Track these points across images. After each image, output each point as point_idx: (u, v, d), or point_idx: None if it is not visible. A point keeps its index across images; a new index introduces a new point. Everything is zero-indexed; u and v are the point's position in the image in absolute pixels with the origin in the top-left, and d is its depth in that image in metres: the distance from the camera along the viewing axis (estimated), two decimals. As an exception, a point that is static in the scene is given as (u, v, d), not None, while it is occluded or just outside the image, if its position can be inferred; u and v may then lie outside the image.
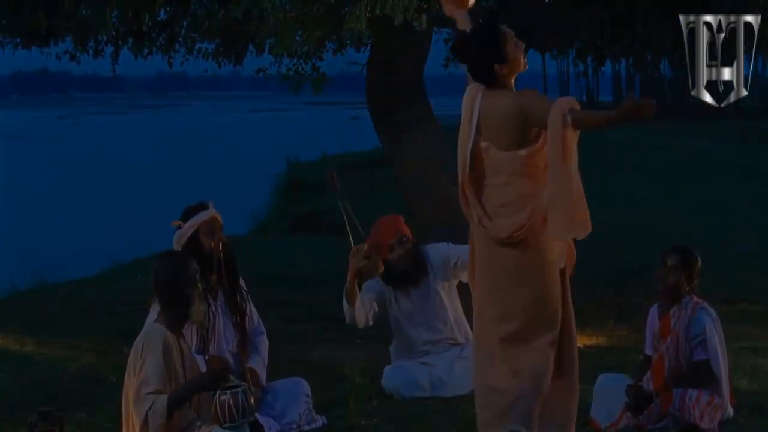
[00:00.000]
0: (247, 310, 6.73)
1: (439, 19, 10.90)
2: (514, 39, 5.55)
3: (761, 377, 8.07)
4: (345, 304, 7.50)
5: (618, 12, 12.50)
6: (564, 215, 5.37)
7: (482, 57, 5.53)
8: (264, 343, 6.83)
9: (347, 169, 33.65)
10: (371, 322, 7.81)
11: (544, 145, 5.39)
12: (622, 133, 43.21)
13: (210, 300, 6.43)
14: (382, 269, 7.53)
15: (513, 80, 5.59)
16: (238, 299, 6.60)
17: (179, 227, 6.55)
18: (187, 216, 6.56)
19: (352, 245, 7.21)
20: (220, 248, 6.36)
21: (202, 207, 6.59)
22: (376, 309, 7.73)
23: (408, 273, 7.60)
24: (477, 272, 5.66)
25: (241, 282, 6.72)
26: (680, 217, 19.94)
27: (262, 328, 6.89)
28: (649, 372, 6.51)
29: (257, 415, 6.12)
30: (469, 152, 5.53)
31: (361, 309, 7.57)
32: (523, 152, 5.44)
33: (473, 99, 5.55)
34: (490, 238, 5.53)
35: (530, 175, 5.48)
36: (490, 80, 5.53)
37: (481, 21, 5.72)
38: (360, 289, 7.59)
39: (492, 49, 5.50)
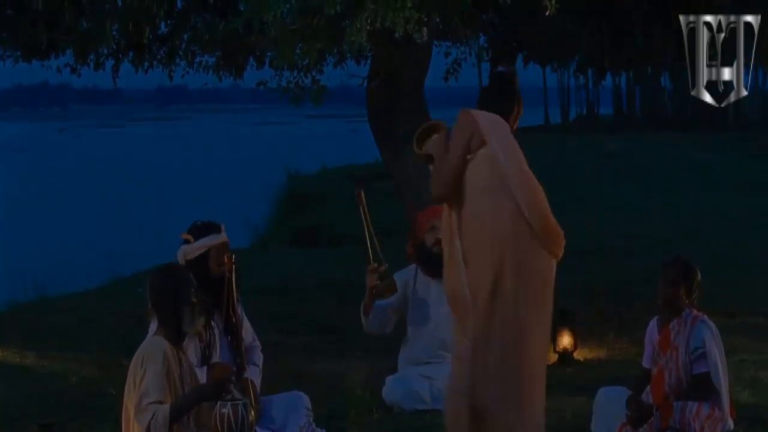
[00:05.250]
0: (244, 325, 6.72)
1: (440, 32, 10.93)
2: None
3: (761, 390, 8.07)
4: (362, 315, 7.58)
5: (618, 24, 12.56)
6: None
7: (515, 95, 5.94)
8: (259, 356, 6.83)
9: (346, 180, 33.71)
10: (388, 331, 7.86)
11: None
12: (622, 145, 43.23)
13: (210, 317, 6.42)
14: (396, 290, 7.53)
15: None
16: (235, 318, 6.58)
17: (187, 241, 6.51)
18: (197, 233, 6.51)
19: (371, 263, 7.20)
20: (233, 269, 6.33)
21: (214, 228, 6.54)
22: (394, 317, 7.79)
23: (440, 257, 7.49)
24: None
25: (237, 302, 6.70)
26: (680, 228, 19.92)
27: (257, 342, 6.89)
28: (649, 385, 6.50)
29: (257, 428, 6.12)
30: None
31: (376, 319, 7.62)
32: None
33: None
34: None
35: None
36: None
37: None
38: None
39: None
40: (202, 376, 5.86)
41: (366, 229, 6.88)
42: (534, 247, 5.55)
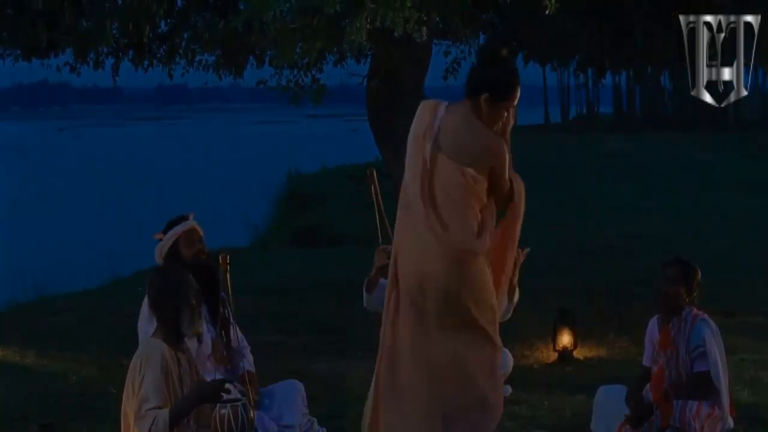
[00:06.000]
0: (231, 320, 6.71)
1: (440, 31, 10.92)
2: (514, 109, 5.40)
3: (761, 389, 8.07)
4: (364, 292, 7.56)
5: (618, 24, 12.52)
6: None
7: (485, 75, 5.39)
8: (250, 356, 6.82)
9: (346, 180, 33.75)
10: None
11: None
12: (622, 145, 43.24)
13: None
14: None
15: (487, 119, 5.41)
16: (221, 308, 6.58)
17: (160, 240, 6.57)
18: (168, 229, 6.58)
19: (380, 242, 7.23)
20: (227, 269, 6.33)
21: (182, 218, 6.61)
22: None
23: None
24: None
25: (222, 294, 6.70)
26: (680, 228, 19.93)
27: (246, 343, 6.88)
28: (648, 384, 6.50)
29: (261, 413, 6.13)
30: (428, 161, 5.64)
31: (380, 298, 7.59)
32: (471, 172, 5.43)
33: (433, 110, 5.61)
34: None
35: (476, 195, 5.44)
36: (471, 95, 5.39)
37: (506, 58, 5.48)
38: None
39: (497, 82, 5.34)
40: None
41: (377, 209, 6.90)
42: (440, 263, 5.41)
